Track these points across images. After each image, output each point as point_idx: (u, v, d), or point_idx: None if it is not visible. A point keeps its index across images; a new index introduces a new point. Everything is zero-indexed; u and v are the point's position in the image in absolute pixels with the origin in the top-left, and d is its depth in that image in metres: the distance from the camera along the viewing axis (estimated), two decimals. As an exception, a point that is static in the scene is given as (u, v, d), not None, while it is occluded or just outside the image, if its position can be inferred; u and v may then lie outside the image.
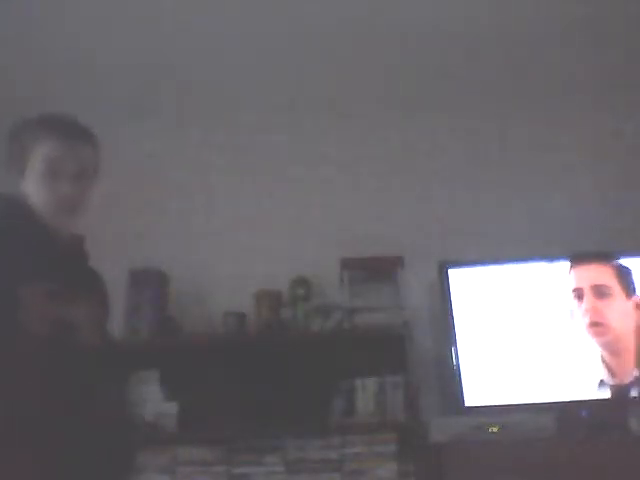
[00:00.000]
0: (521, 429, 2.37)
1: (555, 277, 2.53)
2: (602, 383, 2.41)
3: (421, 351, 2.62)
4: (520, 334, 2.48)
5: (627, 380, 2.40)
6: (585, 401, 2.41)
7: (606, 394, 2.40)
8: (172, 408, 2.50)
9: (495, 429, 2.36)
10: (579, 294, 2.46)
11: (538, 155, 2.99)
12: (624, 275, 2.47)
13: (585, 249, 2.58)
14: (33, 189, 1.43)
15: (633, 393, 2.39)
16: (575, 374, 2.43)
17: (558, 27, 2.65)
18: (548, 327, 2.48)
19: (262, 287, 2.68)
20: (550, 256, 2.59)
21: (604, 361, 2.41)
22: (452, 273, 2.58)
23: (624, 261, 2.51)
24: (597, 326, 2.42)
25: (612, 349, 2.42)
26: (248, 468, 2.40)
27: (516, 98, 3.00)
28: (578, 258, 2.51)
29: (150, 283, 2.71)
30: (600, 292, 2.44)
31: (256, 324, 2.66)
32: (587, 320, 2.43)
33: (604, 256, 2.51)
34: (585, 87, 2.98)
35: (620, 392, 2.39)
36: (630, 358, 2.41)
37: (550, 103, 3.01)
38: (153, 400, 2.52)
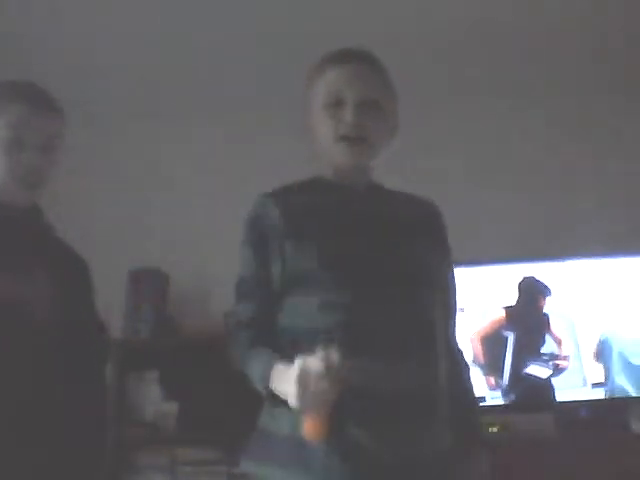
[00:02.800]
0: (521, 429, 2.37)
1: (555, 277, 2.54)
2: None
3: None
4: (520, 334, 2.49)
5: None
6: (585, 401, 2.42)
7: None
8: (172, 408, 2.50)
9: (495, 429, 2.36)
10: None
11: (538, 155, 3.00)
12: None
13: (584, 249, 2.59)
14: None
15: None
16: (575, 374, 2.43)
17: (558, 27, 2.65)
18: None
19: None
20: (550, 256, 2.59)
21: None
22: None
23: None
24: None
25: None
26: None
27: (516, 98, 3.00)
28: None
29: (150, 283, 2.71)
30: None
31: (256, 324, 2.66)
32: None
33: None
34: (585, 87, 2.98)
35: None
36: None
37: (550, 102, 3.01)
38: (153, 400, 2.52)
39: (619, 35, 2.70)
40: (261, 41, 2.66)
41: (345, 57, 1.38)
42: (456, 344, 1.43)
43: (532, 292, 2.51)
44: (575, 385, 2.44)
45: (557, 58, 2.84)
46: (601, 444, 2.25)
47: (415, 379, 1.22)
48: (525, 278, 2.54)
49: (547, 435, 2.37)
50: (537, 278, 2.54)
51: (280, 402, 1.17)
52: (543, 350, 2.46)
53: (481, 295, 2.54)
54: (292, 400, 1.08)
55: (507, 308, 2.51)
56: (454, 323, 1.43)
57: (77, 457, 1.29)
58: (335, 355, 1.05)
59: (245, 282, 1.42)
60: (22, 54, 2.62)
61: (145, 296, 2.68)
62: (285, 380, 1.12)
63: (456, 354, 1.41)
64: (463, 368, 1.42)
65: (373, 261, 1.28)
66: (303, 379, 1.06)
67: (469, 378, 1.42)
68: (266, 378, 1.21)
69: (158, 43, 2.64)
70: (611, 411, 2.42)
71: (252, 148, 3.05)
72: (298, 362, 1.08)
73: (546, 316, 2.50)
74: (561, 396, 2.42)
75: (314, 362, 1.06)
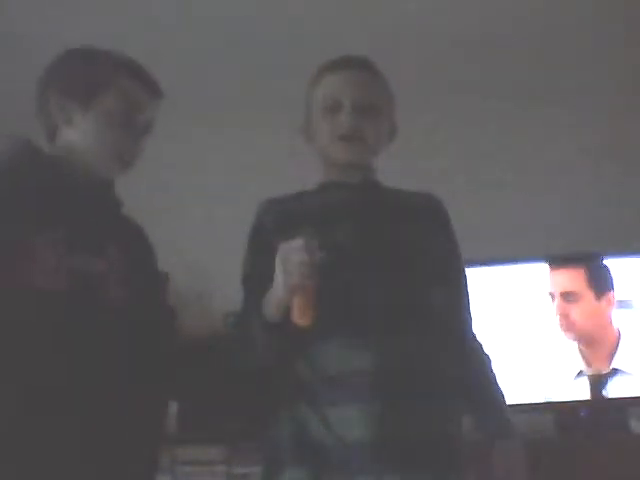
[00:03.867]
0: (521, 429, 2.37)
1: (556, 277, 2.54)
2: (580, 373, 2.45)
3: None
4: (519, 334, 2.49)
5: (604, 371, 2.44)
6: (585, 401, 2.42)
7: (584, 383, 2.43)
8: (172, 408, 2.51)
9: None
10: (552, 298, 2.53)
11: (538, 155, 3.00)
12: (595, 277, 2.53)
13: (584, 249, 2.59)
14: (93, 128, 1.28)
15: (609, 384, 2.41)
16: (575, 373, 2.43)
17: (558, 27, 2.65)
18: (548, 327, 2.48)
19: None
20: (550, 256, 2.59)
21: (580, 352, 2.47)
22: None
23: (600, 261, 2.54)
24: (566, 326, 2.49)
25: (585, 343, 2.48)
26: (248, 468, 2.40)
27: (516, 98, 3.01)
28: (552, 262, 2.56)
29: (150, 283, 2.71)
30: (568, 298, 2.52)
31: (256, 324, 2.66)
32: (558, 321, 2.51)
33: (577, 260, 2.56)
34: (586, 87, 2.98)
35: (597, 381, 2.42)
36: (604, 351, 2.45)
37: (550, 102, 3.02)
38: (153, 400, 2.52)
39: (619, 35, 2.70)
40: (261, 41, 2.66)
41: (342, 63, 1.44)
42: (471, 335, 1.47)
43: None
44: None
45: (557, 58, 2.84)
46: (601, 444, 2.25)
47: (400, 360, 1.25)
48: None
49: (547, 435, 2.37)
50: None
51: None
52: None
53: (479, 295, 2.54)
54: (280, 289, 1.18)
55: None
56: (467, 313, 1.48)
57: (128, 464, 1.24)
58: (314, 242, 1.16)
59: (246, 289, 1.50)
60: (22, 54, 2.62)
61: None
62: (273, 293, 1.22)
63: (471, 345, 1.45)
64: (480, 359, 1.45)
65: (367, 251, 1.33)
66: (286, 265, 1.16)
67: (489, 370, 1.45)
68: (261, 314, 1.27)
69: (158, 43, 2.64)
70: (611, 411, 2.42)
71: (252, 148, 3.05)
72: (280, 251, 1.18)
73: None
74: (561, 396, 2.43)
75: (295, 250, 1.16)
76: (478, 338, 1.49)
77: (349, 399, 1.23)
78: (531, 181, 2.96)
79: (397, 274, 1.33)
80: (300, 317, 1.18)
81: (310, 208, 1.41)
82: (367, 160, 1.45)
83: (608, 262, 2.55)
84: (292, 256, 1.15)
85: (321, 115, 1.40)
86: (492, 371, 1.46)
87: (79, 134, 1.30)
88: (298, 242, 1.15)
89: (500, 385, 1.47)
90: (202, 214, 2.98)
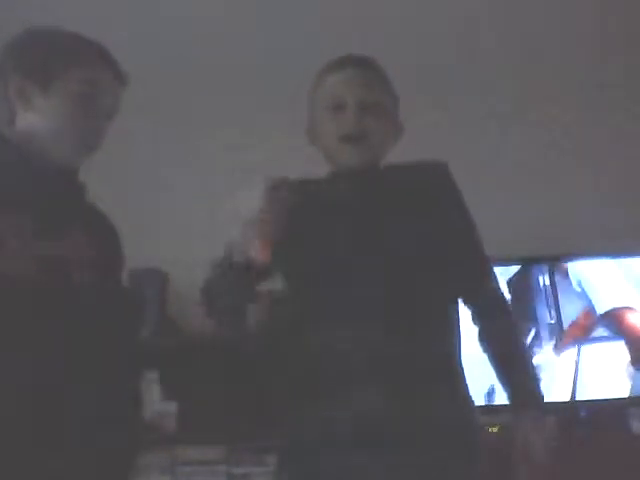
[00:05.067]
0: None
1: (554, 277, 2.54)
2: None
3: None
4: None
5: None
6: (585, 401, 2.42)
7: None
8: (172, 408, 2.51)
9: (495, 429, 2.36)
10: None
11: (538, 154, 2.99)
12: None
13: (584, 249, 2.59)
14: (55, 112, 1.24)
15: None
16: (575, 374, 2.43)
17: (558, 27, 2.66)
18: (548, 326, 2.48)
19: (262, 287, 2.68)
20: (550, 256, 2.59)
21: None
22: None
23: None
24: None
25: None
26: (248, 468, 2.40)
27: (516, 98, 3.01)
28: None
29: (150, 283, 2.71)
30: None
31: (256, 324, 2.66)
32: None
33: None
34: (586, 87, 2.99)
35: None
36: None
37: (550, 103, 3.01)
38: (153, 400, 2.52)
39: (619, 35, 2.70)
40: (261, 40, 2.66)
41: (345, 62, 1.43)
42: (494, 294, 1.46)
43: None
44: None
45: (557, 58, 2.84)
46: (601, 444, 2.25)
47: (396, 343, 1.28)
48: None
49: (547, 435, 2.36)
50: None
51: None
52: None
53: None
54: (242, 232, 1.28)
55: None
56: (492, 278, 1.47)
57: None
58: (282, 192, 1.25)
59: None
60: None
61: (145, 296, 2.68)
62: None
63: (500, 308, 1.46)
64: (504, 322, 1.45)
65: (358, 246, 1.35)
66: (247, 217, 1.27)
67: (515, 335, 1.47)
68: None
69: (158, 43, 2.65)
70: (611, 411, 2.42)
71: (252, 148, 3.05)
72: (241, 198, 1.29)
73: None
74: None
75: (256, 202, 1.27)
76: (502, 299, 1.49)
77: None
78: (531, 181, 2.96)
79: (401, 271, 1.33)
80: (259, 256, 1.23)
81: (315, 200, 1.45)
82: (373, 162, 1.44)
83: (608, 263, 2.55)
84: (254, 209, 1.26)
85: (325, 115, 1.40)
86: (517, 336, 1.48)
87: (39, 118, 1.24)
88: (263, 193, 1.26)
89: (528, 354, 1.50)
90: (202, 214, 2.98)
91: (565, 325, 2.49)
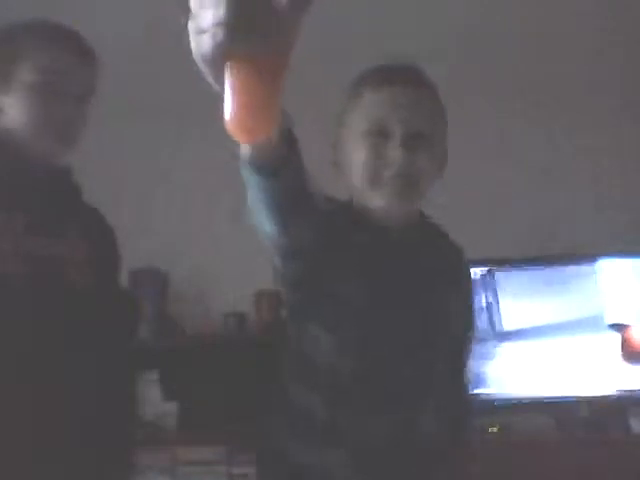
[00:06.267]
0: (521, 429, 2.37)
1: (555, 278, 2.54)
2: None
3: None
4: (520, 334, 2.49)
5: None
6: (585, 401, 2.42)
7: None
8: (172, 408, 2.51)
9: (495, 429, 2.36)
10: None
11: (538, 153, 2.99)
12: None
13: (584, 249, 2.59)
14: (19, 107, 1.18)
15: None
16: (574, 374, 2.44)
17: (558, 27, 2.65)
18: (548, 326, 2.48)
19: (262, 287, 2.68)
20: (550, 256, 2.59)
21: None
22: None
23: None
24: None
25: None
26: (248, 468, 2.40)
27: (516, 98, 3.00)
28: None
29: (150, 283, 2.71)
30: None
31: (256, 324, 2.66)
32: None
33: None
34: (587, 86, 2.98)
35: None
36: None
37: (549, 103, 3.01)
38: (153, 400, 2.52)
39: (619, 35, 2.70)
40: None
41: (389, 77, 1.18)
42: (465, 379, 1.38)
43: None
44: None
45: (557, 58, 2.84)
46: (601, 444, 2.25)
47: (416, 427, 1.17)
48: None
49: (547, 435, 2.37)
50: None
51: None
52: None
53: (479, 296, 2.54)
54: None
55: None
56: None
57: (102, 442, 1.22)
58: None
59: None
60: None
61: (145, 296, 2.68)
62: None
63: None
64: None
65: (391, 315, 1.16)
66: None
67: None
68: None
69: (158, 43, 2.64)
70: (611, 411, 2.42)
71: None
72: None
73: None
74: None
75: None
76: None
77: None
78: (531, 181, 2.96)
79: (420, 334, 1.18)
80: (235, 124, 0.62)
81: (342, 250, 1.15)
82: (415, 207, 1.22)
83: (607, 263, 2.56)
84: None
85: (360, 141, 1.13)
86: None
87: (10, 117, 1.20)
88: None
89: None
90: (202, 214, 2.98)
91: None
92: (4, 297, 1.13)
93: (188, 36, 0.66)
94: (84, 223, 1.30)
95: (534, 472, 2.16)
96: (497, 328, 2.48)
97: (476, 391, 2.38)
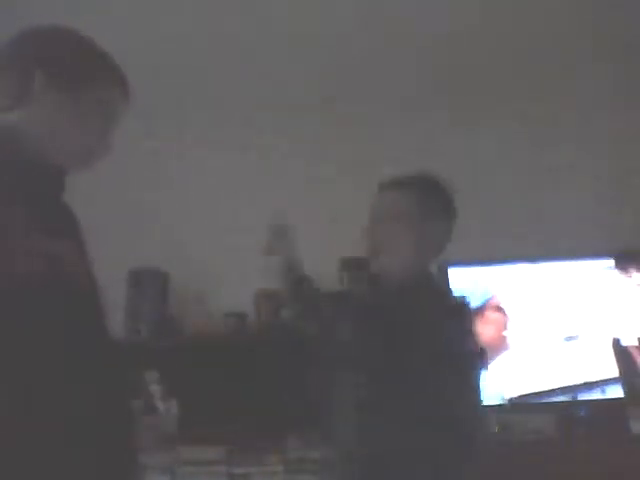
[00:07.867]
0: (521, 429, 2.37)
1: (555, 277, 2.54)
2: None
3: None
4: (520, 334, 2.49)
5: None
6: (585, 401, 2.42)
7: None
8: (172, 408, 2.51)
9: (495, 429, 2.36)
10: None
11: (538, 155, 2.99)
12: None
13: (584, 249, 2.59)
14: (54, 121, 1.21)
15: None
16: (575, 373, 2.44)
17: (558, 27, 2.66)
18: (548, 326, 2.48)
19: (262, 287, 2.68)
20: (550, 256, 2.59)
21: None
22: (452, 272, 2.58)
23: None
24: None
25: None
26: (248, 468, 2.40)
27: (516, 98, 3.01)
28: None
29: (150, 283, 2.71)
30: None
31: (256, 324, 2.66)
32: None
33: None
34: (586, 86, 2.99)
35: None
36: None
37: (550, 102, 3.01)
38: (153, 400, 2.52)
39: (619, 36, 2.70)
40: (261, 39, 2.66)
41: (394, 183, 1.67)
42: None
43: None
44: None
45: (557, 58, 2.84)
46: (601, 444, 2.25)
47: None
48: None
49: (547, 435, 2.37)
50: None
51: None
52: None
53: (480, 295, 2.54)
54: None
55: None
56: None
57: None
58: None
59: None
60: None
61: (145, 296, 2.68)
62: None
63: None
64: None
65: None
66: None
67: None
68: None
69: (159, 43, 2.65)
70: (611, 411, 2.42)
71: (251, 149, 3.05)
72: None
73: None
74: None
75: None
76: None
77: None
78: (531, 181, 2.96)
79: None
80: None
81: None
82: (400, 275, 1.54)
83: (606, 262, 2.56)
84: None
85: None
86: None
87: (44, 116, 1.21)
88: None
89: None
90: (202, 214, 2.98)
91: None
92: (7, 297, 1.12)
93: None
94: (70, 222, 1.31)
95: (534, 472, 2.16)
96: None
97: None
